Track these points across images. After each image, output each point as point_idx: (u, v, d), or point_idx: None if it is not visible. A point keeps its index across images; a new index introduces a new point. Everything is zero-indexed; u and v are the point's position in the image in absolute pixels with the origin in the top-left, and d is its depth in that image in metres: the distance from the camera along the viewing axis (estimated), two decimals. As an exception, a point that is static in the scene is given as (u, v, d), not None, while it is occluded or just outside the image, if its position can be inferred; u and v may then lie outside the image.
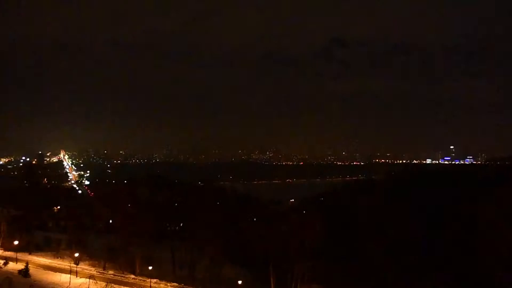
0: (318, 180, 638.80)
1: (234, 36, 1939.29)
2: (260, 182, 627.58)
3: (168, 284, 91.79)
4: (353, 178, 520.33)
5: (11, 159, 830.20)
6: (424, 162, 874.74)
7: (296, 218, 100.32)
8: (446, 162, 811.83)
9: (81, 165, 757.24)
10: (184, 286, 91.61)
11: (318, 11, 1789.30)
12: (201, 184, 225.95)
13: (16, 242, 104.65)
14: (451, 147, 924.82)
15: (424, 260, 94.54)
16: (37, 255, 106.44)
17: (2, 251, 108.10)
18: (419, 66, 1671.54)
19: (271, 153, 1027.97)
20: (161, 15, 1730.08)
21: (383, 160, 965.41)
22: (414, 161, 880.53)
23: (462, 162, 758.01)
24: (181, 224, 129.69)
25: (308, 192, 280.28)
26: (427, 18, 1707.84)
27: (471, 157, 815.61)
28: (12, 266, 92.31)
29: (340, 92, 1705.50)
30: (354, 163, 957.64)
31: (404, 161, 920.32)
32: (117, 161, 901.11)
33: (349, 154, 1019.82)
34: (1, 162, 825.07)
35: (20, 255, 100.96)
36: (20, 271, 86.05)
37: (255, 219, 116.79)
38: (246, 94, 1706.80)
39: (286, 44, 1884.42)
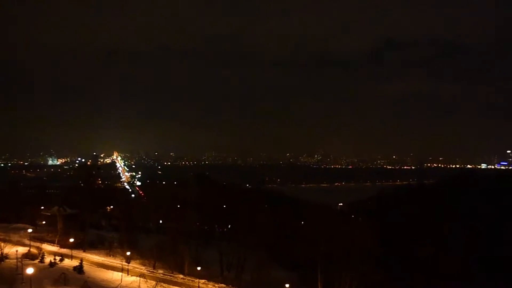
0: (367, 184, 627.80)
1: (286, 38, 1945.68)
2: (308, 185, 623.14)
3: (216, 285, 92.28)
4: (404, 182, 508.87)
5: (67, 160, 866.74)
6: (479, 167, 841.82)
7: (344, 222, 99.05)
8: (502, 167, 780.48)
9: (133, 166, 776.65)
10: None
11: (370, 12, 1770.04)
12: (249, 187, 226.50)
13: (71, 240, 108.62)
14: (508, 151, 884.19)
15: (477, 265, 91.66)
16: (90, 253, 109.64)
17: (58, 248, 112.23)
18: (473, 67, 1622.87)
19: (319, 156, 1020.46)
20: (213, 19, 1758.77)
21: (435, 165, 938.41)
22: (468, 166, 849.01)
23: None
24: (229, 226, 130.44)
25: (357, 196, 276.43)
26: (484, 17, 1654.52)
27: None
28: (68, 262, 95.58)
29: (391, 94, 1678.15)
30: (405, 167, 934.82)
31: (457, 166, 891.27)
32: (167, 162, 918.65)
33: (400, 158, 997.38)
34: (58, 163, 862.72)
35: (75, 252, 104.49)
36: (75, 268, 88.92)
37: (302, 223, 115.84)
38: (296, 96, 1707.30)
39: (337, 46, 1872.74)
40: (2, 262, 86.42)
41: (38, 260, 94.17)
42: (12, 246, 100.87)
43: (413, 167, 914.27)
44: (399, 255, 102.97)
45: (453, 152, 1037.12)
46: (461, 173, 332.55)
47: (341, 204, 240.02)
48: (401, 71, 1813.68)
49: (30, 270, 63.07)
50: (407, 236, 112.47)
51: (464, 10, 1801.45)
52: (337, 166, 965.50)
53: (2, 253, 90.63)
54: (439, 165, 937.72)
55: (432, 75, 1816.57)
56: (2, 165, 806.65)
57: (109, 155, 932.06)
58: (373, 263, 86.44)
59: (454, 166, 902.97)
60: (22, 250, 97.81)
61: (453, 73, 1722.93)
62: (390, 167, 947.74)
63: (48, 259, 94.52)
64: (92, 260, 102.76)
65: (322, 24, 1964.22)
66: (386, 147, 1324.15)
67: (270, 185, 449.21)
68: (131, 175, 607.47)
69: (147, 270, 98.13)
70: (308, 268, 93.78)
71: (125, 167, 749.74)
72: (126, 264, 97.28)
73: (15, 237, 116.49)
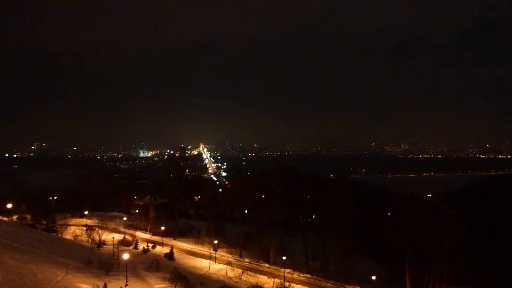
0: (458, 174, 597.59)
1: (371, 25, 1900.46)
2: (394, 175, 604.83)
3: (301, 275, 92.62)
4: (499, 172, 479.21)
5: (157, 152, 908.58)
6: None
7: (434, 214, 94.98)
8: None
9: (219, 157, 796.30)
10: (317, 278, 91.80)
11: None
12: (333, 177, 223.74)
13: (162, 228, 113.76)
14: None
15: None
16: (180, 241, 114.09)
17: (150, 235, 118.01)
18: None
19: (406, 146, 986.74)
20: (295, 9, 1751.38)
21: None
22: None
23: None
24: (314, 216, 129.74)
25: (447, 187, 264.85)
26: None
27: None
28: (159, 249, 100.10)
29: (483, 79, 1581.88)
30: (500, 156, 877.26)
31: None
32: (251, 153, 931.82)
33: (494, 146, 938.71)
34: (149, 155, 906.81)
35: (165, 240, 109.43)
36: (166, 255, 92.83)
37: (389, 214, 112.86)
38: (382, 84, 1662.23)
39: (424, 30, 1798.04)
40: (101, 248, 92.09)
41: (132, 246, 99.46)
42: (109, 233, 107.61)
43: (509, 156, 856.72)
44: (493, 251, 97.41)
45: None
46: None
47: (430, 195, 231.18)
48: (494, 54, 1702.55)
49: (125, 256, 66.50)
50: (502, 230, 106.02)
51: None
52: (425, 156, 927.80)
53: (100, 239, 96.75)
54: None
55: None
56: (98, 157, 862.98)
57: (196, 147, 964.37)
58: (464, 258, 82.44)
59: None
60: (117, 237, 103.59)
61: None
62: (483, 156, 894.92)
63: (141, 245, 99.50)
64: (182, 248, 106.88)
65: (407, 9, 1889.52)
66: (478, 135, 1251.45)
67: (354, 176, 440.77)
68: (217, 166, 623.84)
69: (233, 259, 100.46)
70: (395, 260, 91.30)
71: (211, 158, 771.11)
72: (214, 252, 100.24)
73: (111, 225, 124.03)
